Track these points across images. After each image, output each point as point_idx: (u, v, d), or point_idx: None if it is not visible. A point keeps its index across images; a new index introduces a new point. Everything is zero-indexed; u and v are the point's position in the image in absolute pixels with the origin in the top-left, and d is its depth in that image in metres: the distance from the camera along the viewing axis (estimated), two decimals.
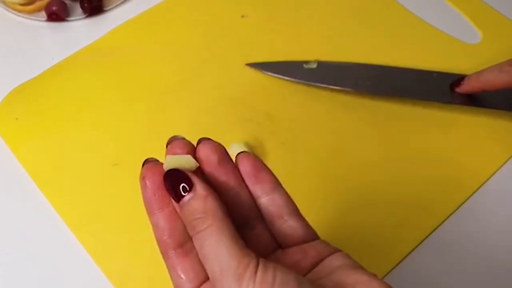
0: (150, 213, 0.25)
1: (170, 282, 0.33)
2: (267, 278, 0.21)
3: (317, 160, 0.41)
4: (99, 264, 0.36)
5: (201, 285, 0.25)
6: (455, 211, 0.39)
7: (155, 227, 0.25)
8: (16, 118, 0.43)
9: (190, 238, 0.24)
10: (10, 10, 0.50)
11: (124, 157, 0.41)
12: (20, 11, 0.49)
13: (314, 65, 0.44)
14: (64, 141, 0.42)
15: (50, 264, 0.36)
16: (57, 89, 0.45)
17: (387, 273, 0.36)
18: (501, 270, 0.37)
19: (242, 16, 0.50)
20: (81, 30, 0.49)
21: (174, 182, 0.24)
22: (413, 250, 0.37)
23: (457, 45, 0.48)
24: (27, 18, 0.49)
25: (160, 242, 0.25)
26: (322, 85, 0.44)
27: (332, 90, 0.44)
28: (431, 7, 0.51)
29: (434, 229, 0.38)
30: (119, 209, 0.38)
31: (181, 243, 0.25)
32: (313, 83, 0.44)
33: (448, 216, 0.39)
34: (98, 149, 0.41)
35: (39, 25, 0.49)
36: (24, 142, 0.42)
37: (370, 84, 0.44)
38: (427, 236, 0.38)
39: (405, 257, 0.37)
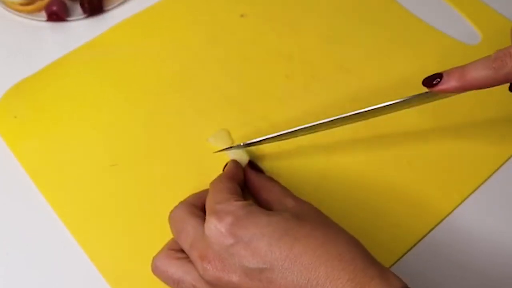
0: None
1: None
2: None
3: (313, 162, 0.41)
4: (95, 263, 0.36)
5: None
6: (450, 213, 0.39)
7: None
8: (15, 116, 0.43)
9: None
10: (10, 10, 0.50)
11: (122, 157, 0.41)
12: (20, 11, 0.49)
13: None
14: (63, 139, 0.42)
15: (50, 264, 0.37)
16: (56, 87, 0.45)
17: None
18: (494, 272, 0.37)
19: (242, 15, 0.50)
20: (81, 30, 0.49)
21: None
22: (408, 250, 0.37)
23: (457, 45, 0.48)
24: (27, 18, 0.49)
25: None
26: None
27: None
28: (431, 7, 0.51)
29: (430, 230, 0.38)
30: (118, 209, 0.39)
31: None
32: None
33: (444, 218, 0.39)
34: (97, 149, 0.42)
35: (39, 25, 0.49)
36: (22, 141, 0.42)
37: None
38: (423, 237, 0.38)
39: (401, 257, 0.37)
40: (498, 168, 0.41)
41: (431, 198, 0.39)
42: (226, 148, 0.40)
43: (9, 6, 0.50)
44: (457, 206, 0.39)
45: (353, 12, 0.50)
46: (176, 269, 0.32)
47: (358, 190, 0.40)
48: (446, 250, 0.37)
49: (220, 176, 0.37)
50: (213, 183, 0.36)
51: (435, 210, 0.39)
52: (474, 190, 0.40)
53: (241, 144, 0.39)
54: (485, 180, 0.41)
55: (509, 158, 0.42)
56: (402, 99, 0.36)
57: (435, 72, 0.45)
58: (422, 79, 0.36)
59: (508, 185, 0.40)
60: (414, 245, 0.38)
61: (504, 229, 0.38)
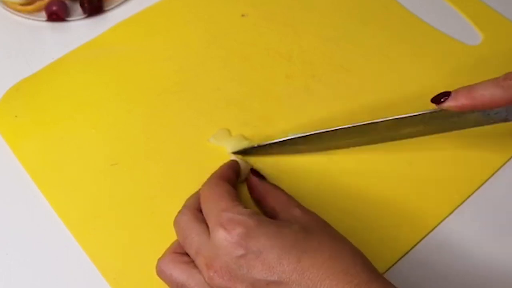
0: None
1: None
2: None
3: (313, 163, 0.41)
4: (95, 263, 0.36)
5: None
6: (442, 221, 0.39)
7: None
8: (16, 116, 0.43)
9: None
10: (10, 10, 0.50)
11: (122, 157, 0.41)
12: (20, 11, 0.49)
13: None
14: (63, 139, 0.42)
15: (50, 264, 0.37)
16: (56, 87, 0.45)
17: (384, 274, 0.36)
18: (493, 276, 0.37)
19: (242, 15, 0.50)
20: (81, 30, 0.49)
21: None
22: (409, 250, 0.37)
23: (457, 46, 0.48)
24: (27, 18, 0.50)
25: None
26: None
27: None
28: (432, 7, 0.51)
29: (431, 231, 0.38)
30: (118, 209, 0.39)
31: None
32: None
33: (444, 218, 0.39)
34: (97, 148, 0.42)
35: (39, 25, 0.49)
36: (23, 141, 0.42)
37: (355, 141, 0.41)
38: (423, 237, 0.38)
39: (401, 258, 0.37)
40: (490, 176, 0.41)
41: (426, 206, 0.39)
42: (241, 151, 0.40)
43: (9, 6, 0.50)
44: (448, 215, 0.39)
45: (353, 12, 0.50)
46: (181, 273, 0.32)
47: (353, 196, 0.39)
48: (439, 258, 0.37)
49: (215, 179, 0.36)
50: (209, 186, 0.35)
51: (428, 218, 0.39)
52: (465, 199, 0.40)
53: (256, 145, 0.40)
54: (478, 187, 0.40)
55: (503, 164, 0.42)
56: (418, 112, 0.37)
57: (435, 72, 0.45)
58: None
59: (500, 194, 0.40)
60: (405, 253, 0.37)
61: (497, 237, 0.38)
